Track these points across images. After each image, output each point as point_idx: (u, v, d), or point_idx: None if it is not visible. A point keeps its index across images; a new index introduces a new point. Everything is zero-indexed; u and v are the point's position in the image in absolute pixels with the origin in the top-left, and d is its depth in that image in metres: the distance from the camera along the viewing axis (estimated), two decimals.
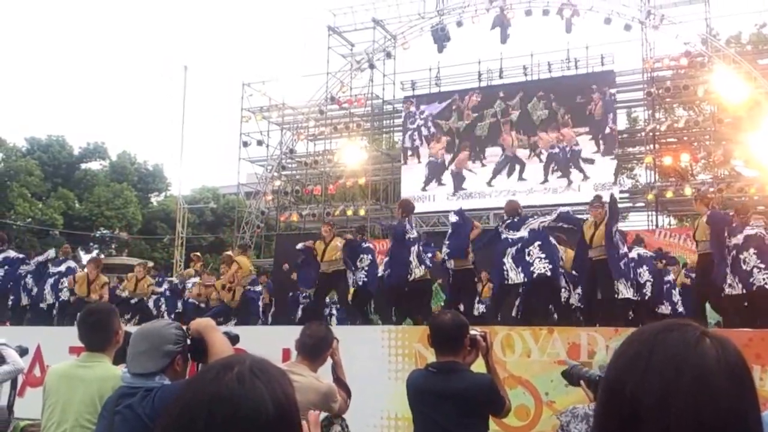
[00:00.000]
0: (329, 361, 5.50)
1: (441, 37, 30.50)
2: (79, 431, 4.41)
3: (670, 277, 15.34)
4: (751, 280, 10.95)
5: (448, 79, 31.96)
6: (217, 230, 52.92)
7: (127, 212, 50.87)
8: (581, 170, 28.31)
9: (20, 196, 46.10)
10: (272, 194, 33.63)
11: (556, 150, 28.79)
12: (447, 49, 30.86)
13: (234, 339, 3.93)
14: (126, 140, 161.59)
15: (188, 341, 3.73)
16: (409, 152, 31.65)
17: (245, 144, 34.35)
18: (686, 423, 1.35)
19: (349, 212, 31.59)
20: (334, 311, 19.10)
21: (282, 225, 34.64)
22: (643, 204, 30.09)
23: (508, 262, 12.08)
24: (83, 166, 55.19)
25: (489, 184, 29.73)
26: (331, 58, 33.12)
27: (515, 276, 11.92)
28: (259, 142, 34.29)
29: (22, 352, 7.17)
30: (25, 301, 16.66)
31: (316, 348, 5.35)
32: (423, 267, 12.81)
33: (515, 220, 12.50)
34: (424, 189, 30.66)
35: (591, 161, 28.25)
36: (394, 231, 13.27)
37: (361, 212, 31.55)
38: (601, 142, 28.22)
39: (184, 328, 3.86)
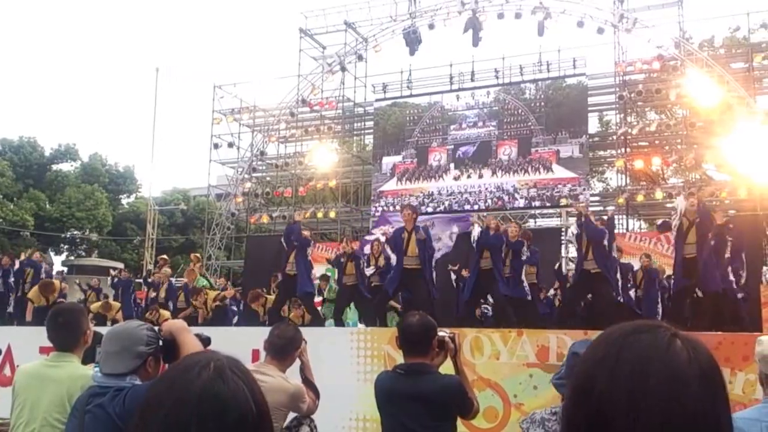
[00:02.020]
0: (298, 361, 5.51)
1: (413, 40, 30.52)
2: (48, 430, 4.43)
3: None
4: None
5: (419, 82, 32.07)
6: (187, 232, 52.83)
7: (98, 213, 50.69)
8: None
9: None
10: (243, 196, 33.59)
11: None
12: (419, 51, 30.94)
13: (206, 341, 3.93)
14: (97, 142, 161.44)
15: (160, 342, 3.71)
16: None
17: (216, 146, 34.35)
18: (656, 425, 1.31)
19: (320, 214, 31.61)
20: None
21: (252, 227, 34.61)
22: (613, 207, 30.21)
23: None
24: (54, 167, 54.98)
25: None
26: (302, 60, 33.21)
27: None
28: (230, 144, 34.29)
29: None
30: None
31: (284, 348, 5.37)
32: None
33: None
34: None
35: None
36: None
37: (332, 215, 31.58)
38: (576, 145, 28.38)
39: (156, 329, 3.82)
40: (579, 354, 3.90)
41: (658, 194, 27.34)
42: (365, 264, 15.66)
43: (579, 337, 9.40)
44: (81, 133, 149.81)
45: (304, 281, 14.15)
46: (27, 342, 11.39)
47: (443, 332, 4.98)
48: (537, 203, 28.81)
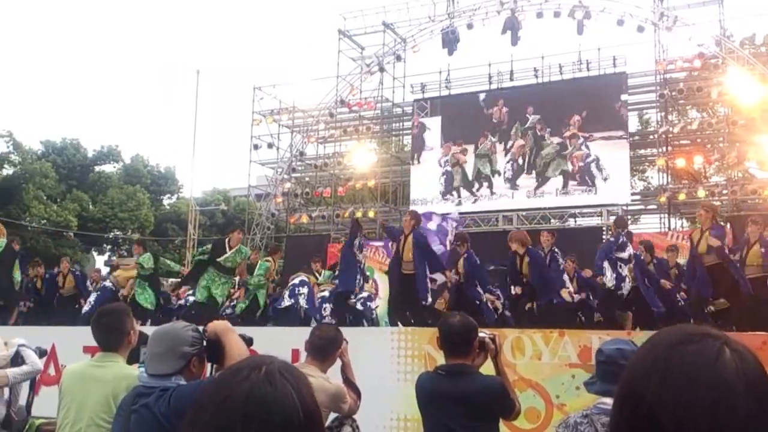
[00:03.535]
0: (338, 361, 5.53)
1: (451, 40, 30.42)
2: (94, 429, 4.49)
3: None
4: None
5: (458, 81, 31.88)
6: (227, 232, 53.00)
7: (140, 214, 51.13)
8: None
9: (35, 198, 46.43)
10: (282, 196, 33.66)
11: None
12: (457, 51, 30.80)
13: (248, 342, 3.95)
14: (139, 143, 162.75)
15: (204, 343, 3.75)
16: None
17: (256, 147, 34.37)
18: None
19: (359, 214, 31.45)
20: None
21: (292, 227, 34.67)
22: (655, 206, 30.00)
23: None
24: (97, 168, 55.54)
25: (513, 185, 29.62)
26: (341, 61, 33.17)
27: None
28: (270, 145, 34.32)
29: (42, 353, 7.27)
30: None
31: (325, 349, 5.38)
32: None
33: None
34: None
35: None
36: None
37: (371, 214, 31.56)
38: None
39: (201, 329, 3.88)
40: (603, 351, 3.96)
41: (701, 192, 27.03)
42: None
43: (622, 337, 9.38)
44: (123, 135, 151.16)
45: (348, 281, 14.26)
46: (71, 342, 11.53)
47: (483, 333, 5.01)
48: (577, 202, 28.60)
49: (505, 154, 29.74)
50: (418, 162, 31.53)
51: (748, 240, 12.47)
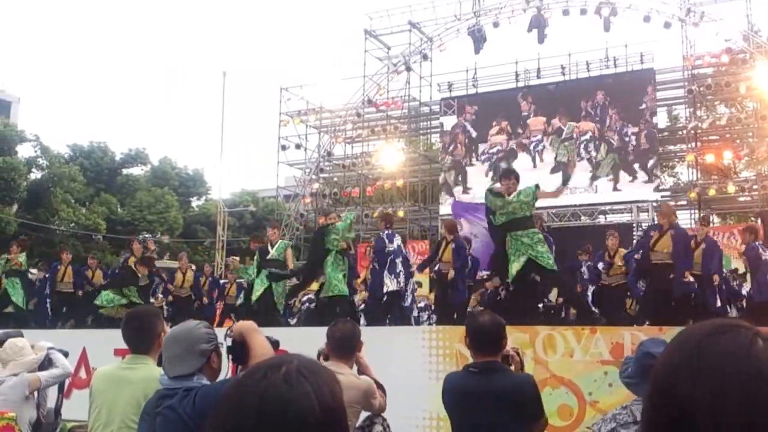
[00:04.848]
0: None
1: (478, 39, 30.38)
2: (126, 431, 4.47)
3: None
4: None
5: (485, 80, 31.85)
6: (256, 233, 53.20)
7: (169, 216, 51.17)
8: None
9: (64, 202, 46.57)
10: (311, 197, 33.71)
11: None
12: (484, 50, 30.77)
13: (275, 344, 3.92)
14: (167, 146, 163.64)
15: (229, 342, 3.74)
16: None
17: (284, 147, 34.50)
18: (740, 427, 1.28)
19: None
20: None
21: None
22: (685, 202, 29.84)
23: None
24: (125, 171, 55.67)
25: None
26: (367, 61, 33.17)
27: None
28: (298, 146, 34.43)
29: (63, 355, 7.29)
30: None
31: (348, 344, 5.36)
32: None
33: None
34: None
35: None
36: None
37: (400, 214, 31.55)
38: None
39: (227, 330, 3.88)
40: (653, 354, 3.76)
41: (731, 188, 26.92)
42: None
43: (653, 333, 9.31)
44: (150, 138, 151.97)
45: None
46: (102, 344, 11.56)
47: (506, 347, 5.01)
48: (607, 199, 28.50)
49: (529, 138, 29.78)
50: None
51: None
